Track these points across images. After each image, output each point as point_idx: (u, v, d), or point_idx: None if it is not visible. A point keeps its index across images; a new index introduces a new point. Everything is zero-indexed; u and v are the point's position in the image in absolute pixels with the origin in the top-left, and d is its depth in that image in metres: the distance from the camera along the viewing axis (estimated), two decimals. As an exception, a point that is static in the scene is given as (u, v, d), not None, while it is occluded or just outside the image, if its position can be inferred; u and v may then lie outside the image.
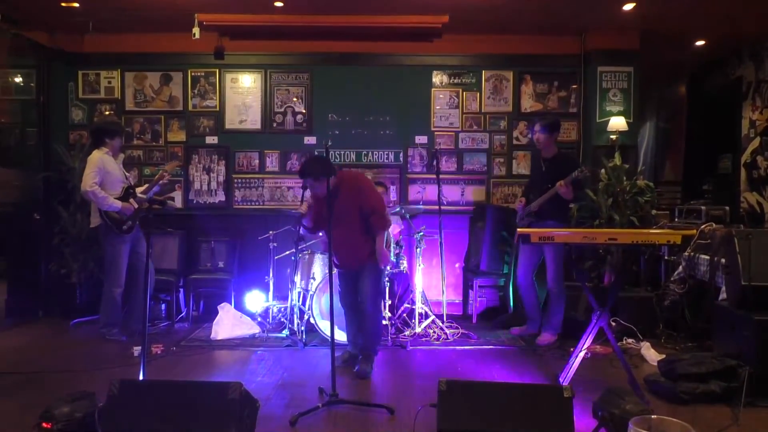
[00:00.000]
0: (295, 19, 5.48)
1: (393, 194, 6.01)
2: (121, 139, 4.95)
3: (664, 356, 3.99)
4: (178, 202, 5.95)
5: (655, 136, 8.03)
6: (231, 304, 5.27)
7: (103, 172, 4.64)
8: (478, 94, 6.05)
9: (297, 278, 4.90)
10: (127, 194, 4.78)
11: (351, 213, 3.92)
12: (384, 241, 4.04)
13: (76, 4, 5.08)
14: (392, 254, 4.85)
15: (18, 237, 5.61)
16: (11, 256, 5.65)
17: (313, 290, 4.64)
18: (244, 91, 6.04)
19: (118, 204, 4.66)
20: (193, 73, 6.03)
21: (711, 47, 6.33)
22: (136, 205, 4.79)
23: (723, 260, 4.11)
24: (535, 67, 6.06)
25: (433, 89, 6.05)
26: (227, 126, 6.04)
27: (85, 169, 4.66)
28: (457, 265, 6.01)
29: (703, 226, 4.70)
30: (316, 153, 5.95)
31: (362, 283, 4.01)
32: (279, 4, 5.17)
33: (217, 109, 6.03)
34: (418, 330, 4.93)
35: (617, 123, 5.68)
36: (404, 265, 5.19)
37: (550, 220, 4.66)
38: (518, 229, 3.59)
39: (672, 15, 5.32)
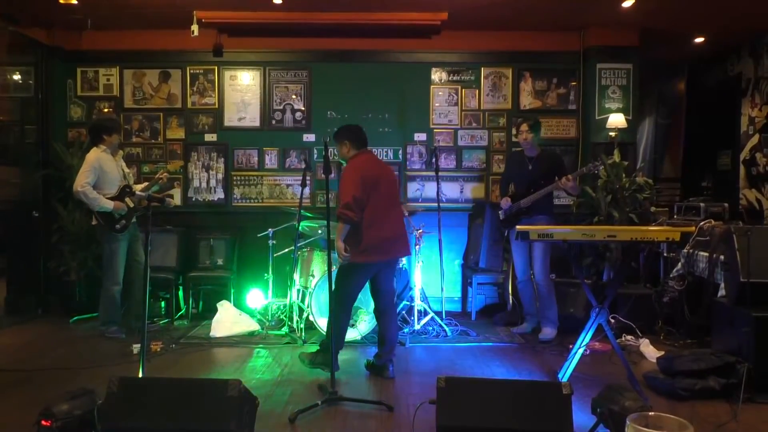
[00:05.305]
0: (294, 16, 5.47)
1: (392, 191, 5.99)
2: (119, 136, 4.94)
3: (663, 353, 4.00)
4: (177, 200, 5.93)
5: (654, 133, 8.02)
6: (230, 301, 5.27)
7: (98, 172, 4.63)
8: (477, 91, 6.04)
9: (296, 276, 4.91)
10: (123, 193, 4.76)
11: None
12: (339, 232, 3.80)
13: (75, 1, 5.05)
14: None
15: (17, 235, 5.61)
16: (10, 253, 5.65)
17: (312, 287, 4.64)
18: (243, 88, 6.03)
19: (110, 204, 4.63)
20: (191, 71, 6.02)
21: (710, 44, 6.32)
22: (132, 204, 4.77)
23: (722, 257, 4.12)
24: (535, 63, 6.04)
25: (432, 86, 6.04)
26: (226, 123, 6.03)
27: (81, 167, 4.65)
28: (456, 262, 6.02)
29: (702, 223, 4.70)
30: (315, 150, 5.97)
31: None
32: (278, 1, 5.15)
33: (216, 106, 6.02)
34: (417, 327, 4.94)
35: (616, 120, 5.67)
36: (404, 262, 5.19)
37: (540, 215, 4.71)
38: (517, 227, 3.58)
39: (671, 11, 5.32)
